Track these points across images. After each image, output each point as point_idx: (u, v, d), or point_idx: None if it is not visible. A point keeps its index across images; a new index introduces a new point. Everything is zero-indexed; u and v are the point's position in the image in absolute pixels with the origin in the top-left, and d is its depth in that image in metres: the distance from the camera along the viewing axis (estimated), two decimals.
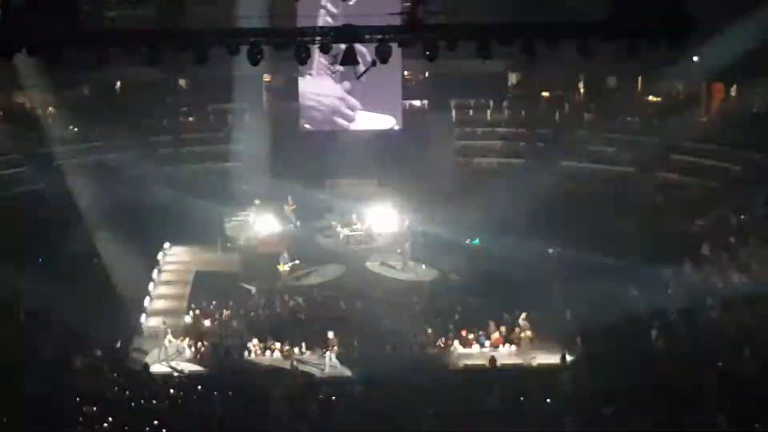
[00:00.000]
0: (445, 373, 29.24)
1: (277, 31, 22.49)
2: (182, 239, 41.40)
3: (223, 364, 30.07)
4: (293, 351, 31.20)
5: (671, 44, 20.78)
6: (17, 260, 35.92)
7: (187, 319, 33.68)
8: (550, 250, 37.90)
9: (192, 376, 29.02)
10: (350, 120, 50.25)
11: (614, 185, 46.12)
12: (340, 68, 46.63)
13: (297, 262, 37.42)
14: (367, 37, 22.29)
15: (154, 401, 26.72)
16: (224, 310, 34.12)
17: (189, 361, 31.02)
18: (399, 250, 38.48)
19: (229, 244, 40.87)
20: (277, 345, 31.41)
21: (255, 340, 31.68)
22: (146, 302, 35.09)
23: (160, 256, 39.36)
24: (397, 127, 50.58)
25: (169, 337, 31.77)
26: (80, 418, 25.04)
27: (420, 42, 22.38)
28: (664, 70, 44.63)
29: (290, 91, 52.11)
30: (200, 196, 43.95)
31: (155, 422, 25.03)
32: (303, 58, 22.71)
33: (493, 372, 29.22)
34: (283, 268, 36.85)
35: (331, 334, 30.97)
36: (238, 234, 40.91)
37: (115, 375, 29.13)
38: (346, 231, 41.77)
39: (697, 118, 48.51)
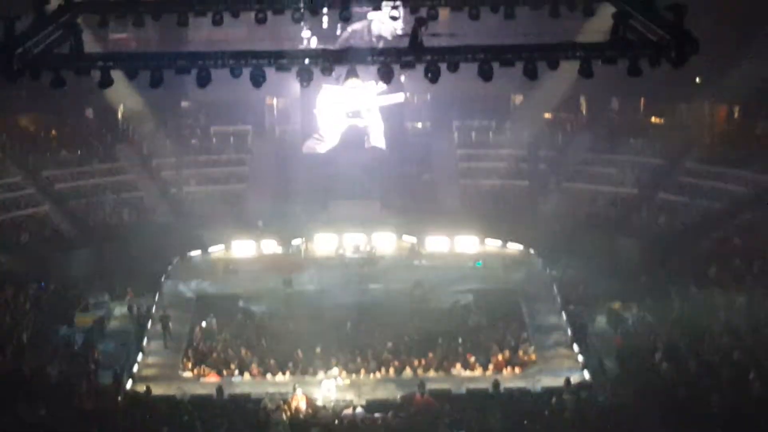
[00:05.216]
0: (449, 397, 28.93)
1: (279, 54, 22.35)
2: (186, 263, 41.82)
3: (225, 387, 29.80)
4: (295, 374, 30.94)
5: (674, 65, 20.67)
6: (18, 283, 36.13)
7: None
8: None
9: (195, 400, 28.76)
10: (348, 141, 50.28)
11: (617, 207, 46.03)
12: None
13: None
14: (369, 59, 22.27)
15: (157, 425, 26.49)
16: (225, 333, 33.97)
17: (191, 384, 30.84)
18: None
19: (231, 266, 40.84)
20: (278, 367, 31.20)
21: (255, 364, 31.49)
22: (149, 325, 34.87)
23: (162, 279, 39.20)
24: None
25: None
26: None
27: (422, 64, 22.33)
28: (666, 92, 44.63)
29: (292, 113, 52.20)
30: (205, 217, 44.26)
31: None
32: (306, 81, 22.69)
33: (496, 395, 28.97)
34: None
35: (335, 370, 30.79)
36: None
37: (119, 398, 28.95)
38: (348, 253, 41.70)
39: (700, 139, 48.43)
